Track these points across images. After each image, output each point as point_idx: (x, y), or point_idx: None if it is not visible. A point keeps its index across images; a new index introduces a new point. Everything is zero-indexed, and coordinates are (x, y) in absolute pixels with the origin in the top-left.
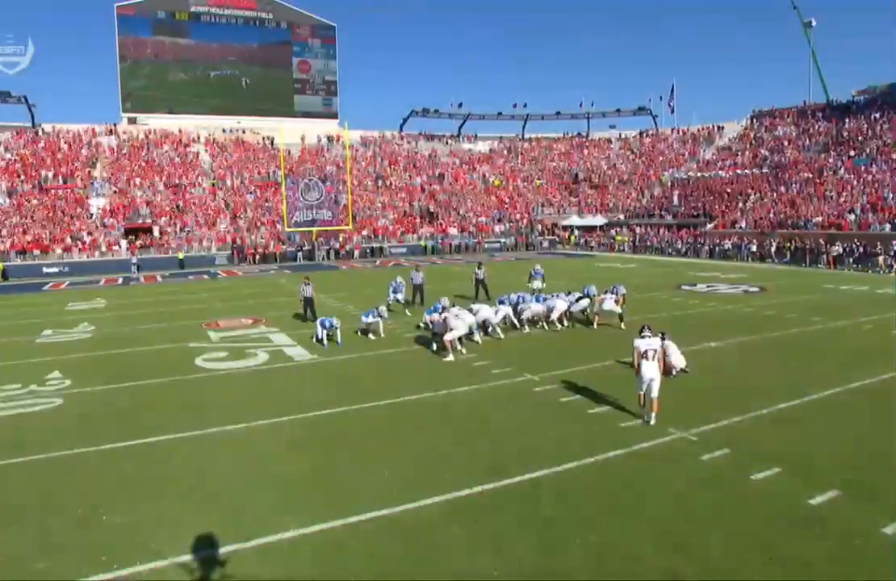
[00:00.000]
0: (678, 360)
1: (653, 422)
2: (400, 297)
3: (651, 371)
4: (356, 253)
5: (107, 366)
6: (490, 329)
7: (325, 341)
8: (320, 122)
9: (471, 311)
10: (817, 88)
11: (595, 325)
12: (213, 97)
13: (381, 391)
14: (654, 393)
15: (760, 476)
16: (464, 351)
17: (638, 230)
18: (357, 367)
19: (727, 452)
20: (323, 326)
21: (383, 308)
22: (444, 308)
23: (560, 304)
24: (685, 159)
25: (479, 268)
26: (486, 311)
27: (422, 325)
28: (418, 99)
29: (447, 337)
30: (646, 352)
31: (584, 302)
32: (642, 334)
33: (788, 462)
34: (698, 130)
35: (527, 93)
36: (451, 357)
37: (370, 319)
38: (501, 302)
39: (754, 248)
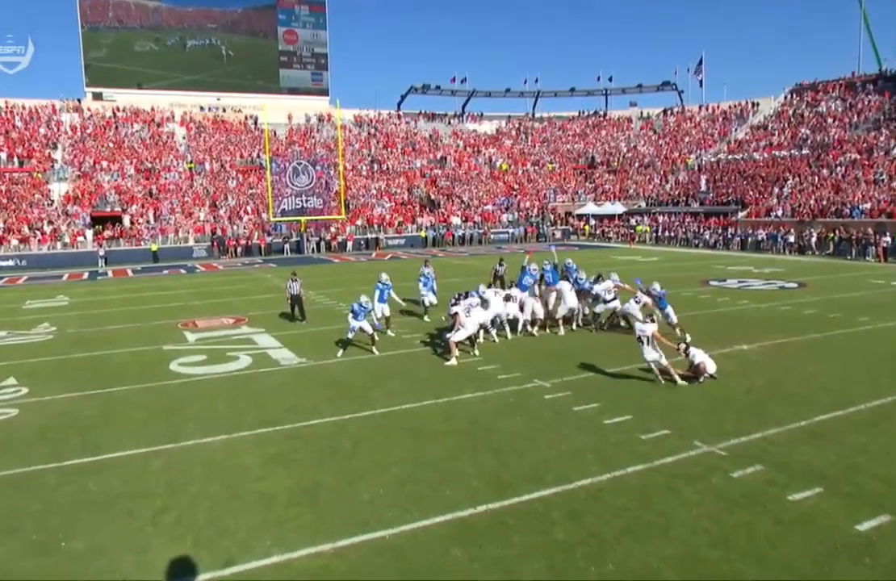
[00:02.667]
0: (710, 365)
1: None
2: (433, 298)
3: None
4: (349, 245)
5: (69, 371)
6: (505, 327)
7: (374, 335)
8: (309, 100)
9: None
10: (868, 57)
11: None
12: (189, 70)
13: (376, 399)
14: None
15: (799, 497)
16: (476, 353)
17: (661, 219)
18: (350, 372)
19: (761, 469)
20: (357, 317)
21: (364, 298)
22: (460, 296)
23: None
24: (714, 140)
25: (500, 264)
26: (498, 306)
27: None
28: (417, 74)
29: (452, 337)
30: None
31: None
32: None
33: (831, 481)
34: (730, 107)
35: (538, 67)
36: (452, 361)
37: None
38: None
39: (792, 239)
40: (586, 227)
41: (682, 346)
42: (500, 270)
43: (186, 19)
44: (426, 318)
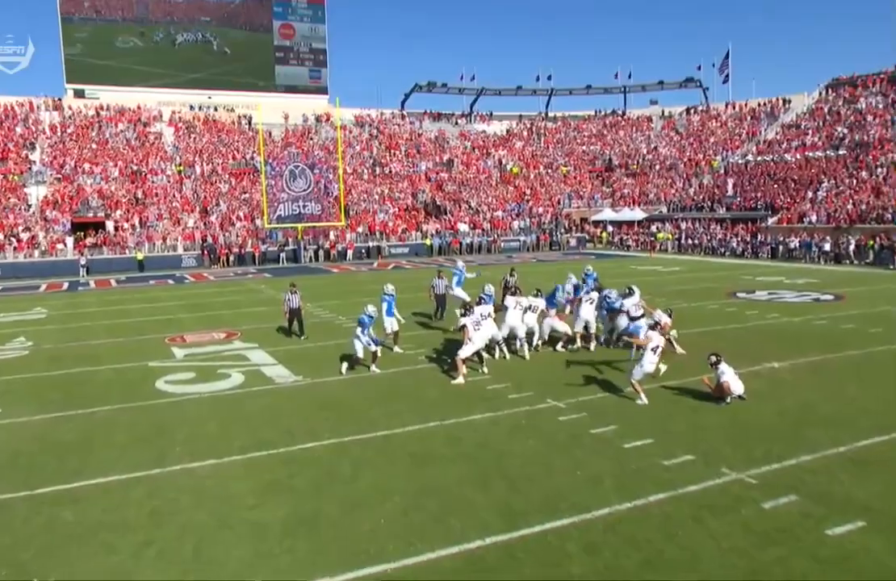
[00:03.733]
0: (737, 386)
1: None
2: (462, 294)
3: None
4: (349, 253)
5: (46, 390)
6: (519, 344)
7: (376, 351)
8: (307, 99)
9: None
10: None
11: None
12: (178, 66)
13: (378, 420)
14: None
15: (838, 531)
16: (485, 371)
17: (684, 226)
18: (350, 391)
19: (795, 500)
20: (365, 330)
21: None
22: (468, 303)
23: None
24: (742, 140)
25: (510, 274)
26: (516, 319)
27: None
28: (422, 71)
29: (459, 354)
30: None
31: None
32: None
33: (874, 514)
34: (759, 105)
35: (552, 63)
36: (459, 379)
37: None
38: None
39: (828, 247)
40: (603, 234)
41: (714, 357)
42: (510, 281)
43: (176, 11)
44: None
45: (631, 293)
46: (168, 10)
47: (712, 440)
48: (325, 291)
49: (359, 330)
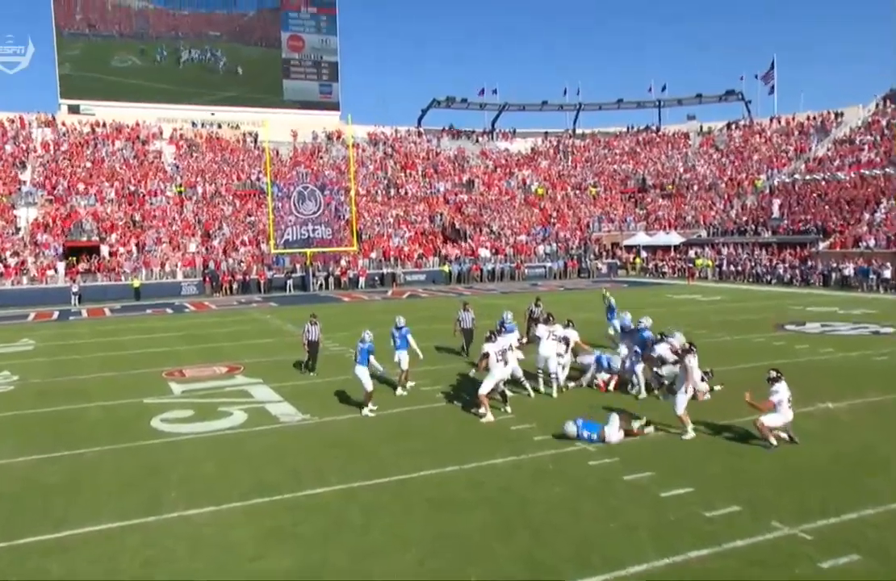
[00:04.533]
0: (785, 413)
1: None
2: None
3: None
4: (362, 280)
5: (32, 429)
6: (553, 379)
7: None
8: (317, 115)
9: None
10: None
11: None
12: (179, 80)
13: (391, 463)
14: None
15: None
16: (508, 410)
17: (725, 251)
18: (361, 431)
19: (857, 560)
20: (361, 360)
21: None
22: (497, 330)
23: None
24: (789, 157)
25: (536, 303)
26: (549, 350)
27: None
28: (441, 86)
29: (482, 389)
30: None
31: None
32: None
33: None
34: (808, 119)
35: (579, 76)
36: (488, 417)
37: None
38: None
39: (888, 274)
40: (637, 260)
41: (774, 372)
42: (535, 311)
43: (181, 25)
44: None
45: (664, 338)
46: (171, 23)
47: (760, 488)
48: (336, 322)
49: (357, 368)
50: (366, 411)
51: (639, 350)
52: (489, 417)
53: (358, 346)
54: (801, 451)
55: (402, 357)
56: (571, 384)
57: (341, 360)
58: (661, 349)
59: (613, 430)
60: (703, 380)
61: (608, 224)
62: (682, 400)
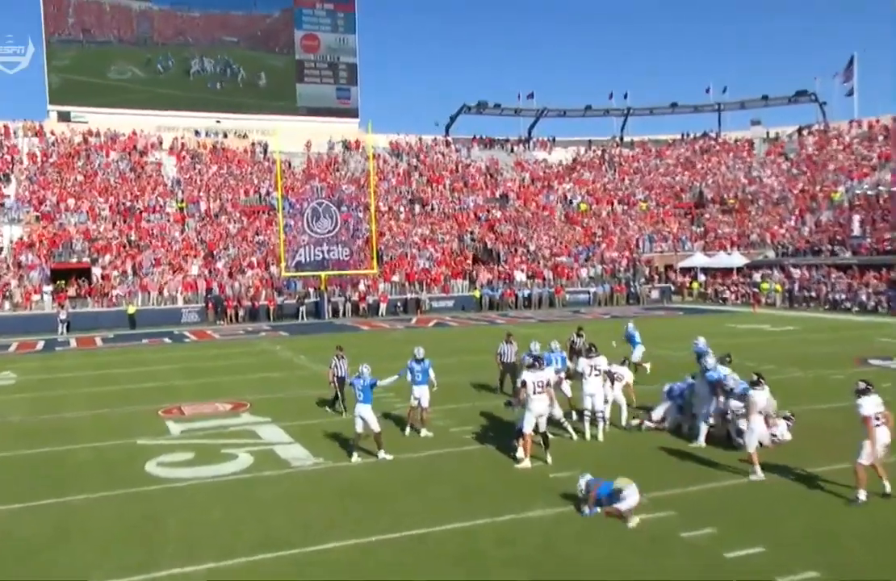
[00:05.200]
0: (882, 436)
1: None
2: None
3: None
4: (383, 307)
5: (12, 474)
6: (600, 419)
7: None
8: (333, 122)
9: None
10: None
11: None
12: (181, 85)
13: (413, 514)
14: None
15: None
16: (548, 459)
17: (797, 274)
18: (381, 478)
19: None
20: (363, 397)
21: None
22: (532, 362)
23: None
24: (872, 166)
25: (577, 334)
26: (594, 386)
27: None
28: (471, 89)
29: (521, 426)
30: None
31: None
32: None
33: None
34: (894, 122)
35: (628, 77)
36: (525, 462)
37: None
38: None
39: None
40: (694, 284)
41: (862, 383)
42: (577, 342)
43: (190, 29)
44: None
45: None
46: (179, 27)
47: (846, 550)
48: (354, 354)
49: (361, 408)
50: (382, 455)
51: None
52: (526, 463)
53: (356, 384)
54: (894, 505)
55: (423, 393)
56: (635, 423)
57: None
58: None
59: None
60: (783, 420)
61: (660, 243)
62: (751, 438)
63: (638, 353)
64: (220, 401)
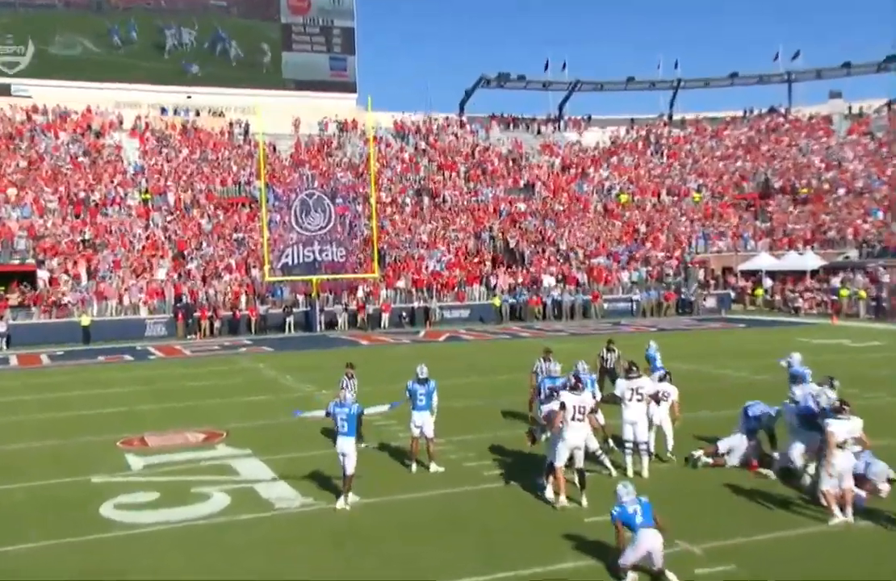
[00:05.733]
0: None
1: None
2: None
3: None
4: (385, 317)
5: None
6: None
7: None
8: (326, 98)
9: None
10: None
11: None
12: (144, 55)
13: (422, 567)
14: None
15: None
16: (584, 502)
17: (886, 279)
18: (384, 522)
19: None
20: (344, 428)
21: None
22: (572, 384)
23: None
24: None
25: (608, 349)
26: (636, 413)
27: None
28: (490, 59)
29: (554, 459)
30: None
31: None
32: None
33: None
34: None
35: (677, 44)
36: (561, 500)
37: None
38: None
39: None
40: (758, 291)
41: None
42: (608, 360)
43: None
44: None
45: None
46: None
47: None
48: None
49: (344, 441)
50: (342, 504)
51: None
52: (562, 501)
53: (336, 413)
54: None
55: (426, 420)
56: (698, 454)
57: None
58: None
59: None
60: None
61: (717, 242)
62: (828, 480)
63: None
64: (191, 430)
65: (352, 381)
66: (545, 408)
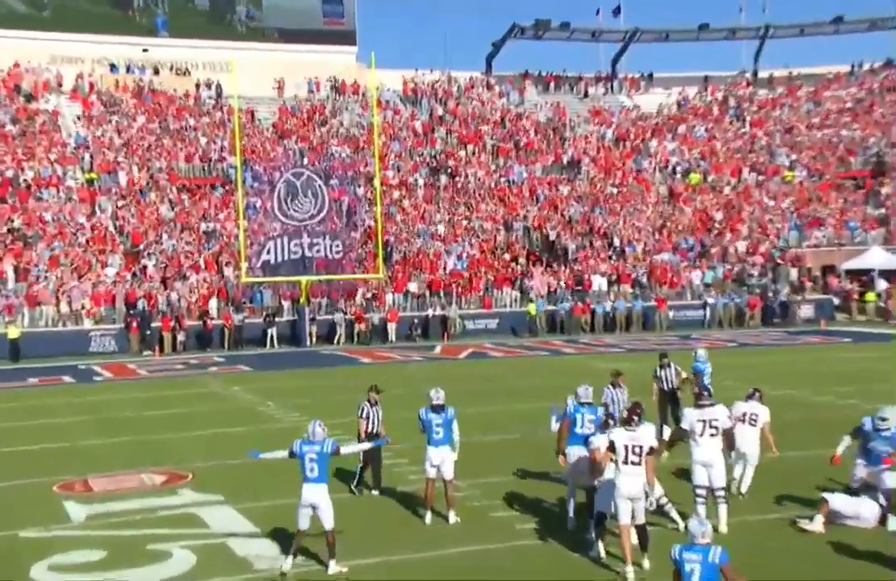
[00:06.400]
0: None
1: None
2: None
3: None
4: (392, 328)
5: None
6: (718, 497)
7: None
8: (318, 53)
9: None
10: None
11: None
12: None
13: None
14: None
15: None
16: (646, 564)
17: None
18: None
19: None
20: (313, 476)
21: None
22: (629, 416)
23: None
24: None
25: (661, 365)
26: (710, 452)
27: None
28: (523, 5)
29: (620, 516)
30: None
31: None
32: None
33: None
34: None
35: None
36: (628, 573)
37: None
38: None
39: None
40: (868, 296)
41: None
42: (665, 379)
43: None
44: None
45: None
46: None
47: None
48: (347, 401)
49: (312, 489)
50: (335, 569)
51: None
52: (628, 573)
53: (304, 452)
54: None
55: (444, 458)
56: (806, 523)
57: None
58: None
59: None
60: None
61: (816, 233)
62: None
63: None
64: (148, 470)
65: (375, 408)
66: (594, 441)
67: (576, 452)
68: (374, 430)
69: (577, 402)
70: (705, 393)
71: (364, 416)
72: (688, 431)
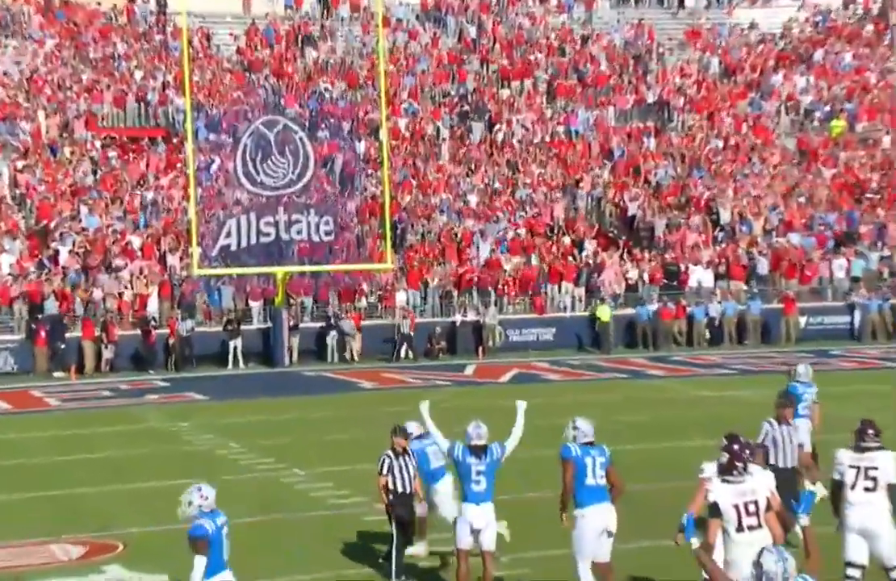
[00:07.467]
0: None
1: None
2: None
3: None
4: (407, 339)
5: None
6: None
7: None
8: None
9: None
10: None
11: None
12: None
13: None
14: None
15: None
16: None
17: None
18: None
19: None
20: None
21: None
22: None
23: None
24: None
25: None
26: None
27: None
28: None
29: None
30: None
31: None
32: None
33: None
34: None
35: None
36: None
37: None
38: None
39: None
40: None
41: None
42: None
43: None
44: None
45: None
46: None
47: None
48: (345, 444)
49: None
50: None
51: None
52: None
53: (199, 532)
54: None
55: (485, 520)
56: None
57: (351, 521)
58: None
59: None
60: None
61: None
62: None
63: (803, 433)
64: (62, 539)
65: (403, 459)
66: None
67: (591, 517)
68: (405, 490)
69: (583, 443)
70: (869, 432)
71: (386, 469)
72: (839, 481)
